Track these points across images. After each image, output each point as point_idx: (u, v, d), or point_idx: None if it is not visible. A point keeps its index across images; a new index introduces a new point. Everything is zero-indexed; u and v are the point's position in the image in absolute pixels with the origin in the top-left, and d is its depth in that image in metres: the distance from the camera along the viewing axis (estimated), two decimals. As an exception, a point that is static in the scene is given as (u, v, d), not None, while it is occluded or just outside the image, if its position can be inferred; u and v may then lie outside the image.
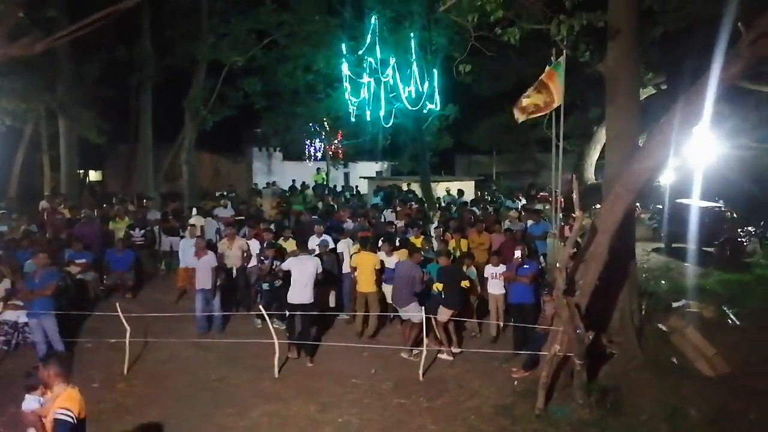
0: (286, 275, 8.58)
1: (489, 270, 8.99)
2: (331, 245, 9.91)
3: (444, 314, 8.15)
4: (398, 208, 14.09)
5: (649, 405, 6.92)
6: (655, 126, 6.93)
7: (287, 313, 8.33)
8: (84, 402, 4.19)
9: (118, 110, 22.27)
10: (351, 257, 9.53)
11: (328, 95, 21.12)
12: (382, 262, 9.12)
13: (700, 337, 8.26)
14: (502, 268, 8.81)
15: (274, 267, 9.08)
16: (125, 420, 6.53)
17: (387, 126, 18.81)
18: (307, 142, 29.83)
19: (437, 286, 8.35)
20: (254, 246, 10.07)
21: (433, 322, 8.10)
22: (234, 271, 10.01)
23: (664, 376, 7.61)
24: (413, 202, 16.24)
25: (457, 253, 9.76)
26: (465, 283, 8.41)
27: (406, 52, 16.87)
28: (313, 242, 9.81)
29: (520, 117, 9.10)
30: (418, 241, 9.87)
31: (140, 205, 15.20)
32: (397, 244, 9.64)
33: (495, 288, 8.92)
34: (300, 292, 8.10)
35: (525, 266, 8.39)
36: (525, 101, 8.69)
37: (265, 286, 9.38)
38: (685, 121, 6.47)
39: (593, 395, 6.83)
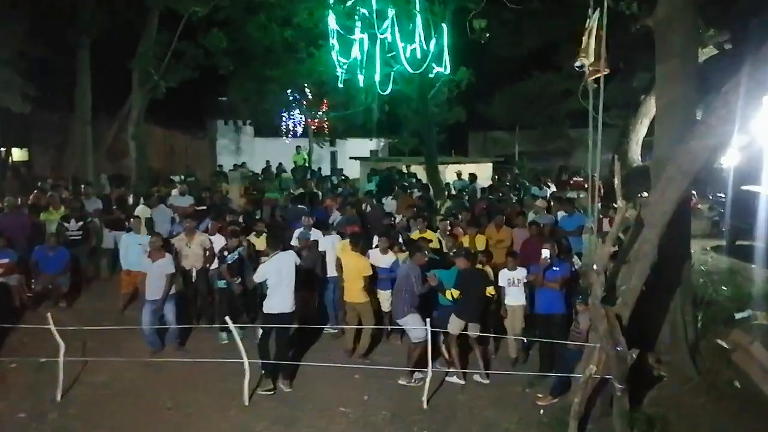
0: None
1: (505, 275, 8.88)
2: (314, 238, 9.97)
3: (455, 325, 8.16)
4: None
5: (705, 438, 7.00)
6: (717, 95, 6.93)
7: (259, 329, 8.29)
8: None
9: (49, 72, 22.11)
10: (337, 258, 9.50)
11: (311, 55, 21.05)
12: (373, 266, 9.06)
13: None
14: (521, 272, 8.76)
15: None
16: (59, 457, 6.56)
17: (384, 94, 18.75)
18: (285, 114, 29.83)
19: (452, 293, 8.21)
20: (218, 243, 10.07)
21: (441, 340, 8.09)
22: (193, 274, 10.03)
23: (724, 402, 7.67)
24: (416, 189, 16.25)
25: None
26: (491, 291, 8.40)
27: (407, 2, 16.79)
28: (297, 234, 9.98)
29: (595, 70, 8.37)
30: (415, 236, 9.91)
31: (77, 192, 15.16)
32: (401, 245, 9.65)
33: (513, 298, 8.82)
34: (280, 300, 8.05)
35: (554, 268, 8.38)
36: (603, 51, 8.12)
37: (221, 283, 9.44)
38: (753, 88, 6.46)
39: (637, 426, 6.88)
